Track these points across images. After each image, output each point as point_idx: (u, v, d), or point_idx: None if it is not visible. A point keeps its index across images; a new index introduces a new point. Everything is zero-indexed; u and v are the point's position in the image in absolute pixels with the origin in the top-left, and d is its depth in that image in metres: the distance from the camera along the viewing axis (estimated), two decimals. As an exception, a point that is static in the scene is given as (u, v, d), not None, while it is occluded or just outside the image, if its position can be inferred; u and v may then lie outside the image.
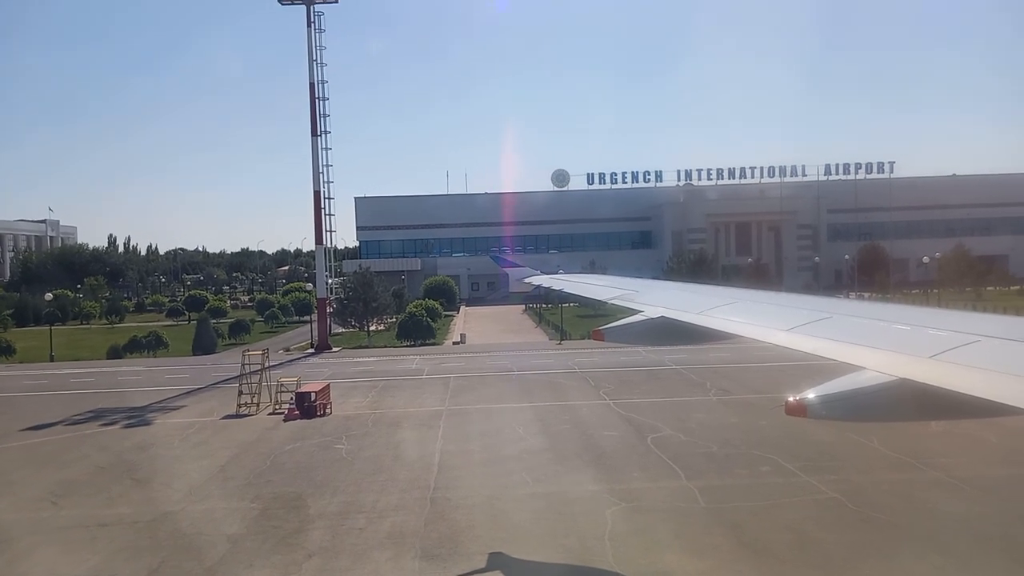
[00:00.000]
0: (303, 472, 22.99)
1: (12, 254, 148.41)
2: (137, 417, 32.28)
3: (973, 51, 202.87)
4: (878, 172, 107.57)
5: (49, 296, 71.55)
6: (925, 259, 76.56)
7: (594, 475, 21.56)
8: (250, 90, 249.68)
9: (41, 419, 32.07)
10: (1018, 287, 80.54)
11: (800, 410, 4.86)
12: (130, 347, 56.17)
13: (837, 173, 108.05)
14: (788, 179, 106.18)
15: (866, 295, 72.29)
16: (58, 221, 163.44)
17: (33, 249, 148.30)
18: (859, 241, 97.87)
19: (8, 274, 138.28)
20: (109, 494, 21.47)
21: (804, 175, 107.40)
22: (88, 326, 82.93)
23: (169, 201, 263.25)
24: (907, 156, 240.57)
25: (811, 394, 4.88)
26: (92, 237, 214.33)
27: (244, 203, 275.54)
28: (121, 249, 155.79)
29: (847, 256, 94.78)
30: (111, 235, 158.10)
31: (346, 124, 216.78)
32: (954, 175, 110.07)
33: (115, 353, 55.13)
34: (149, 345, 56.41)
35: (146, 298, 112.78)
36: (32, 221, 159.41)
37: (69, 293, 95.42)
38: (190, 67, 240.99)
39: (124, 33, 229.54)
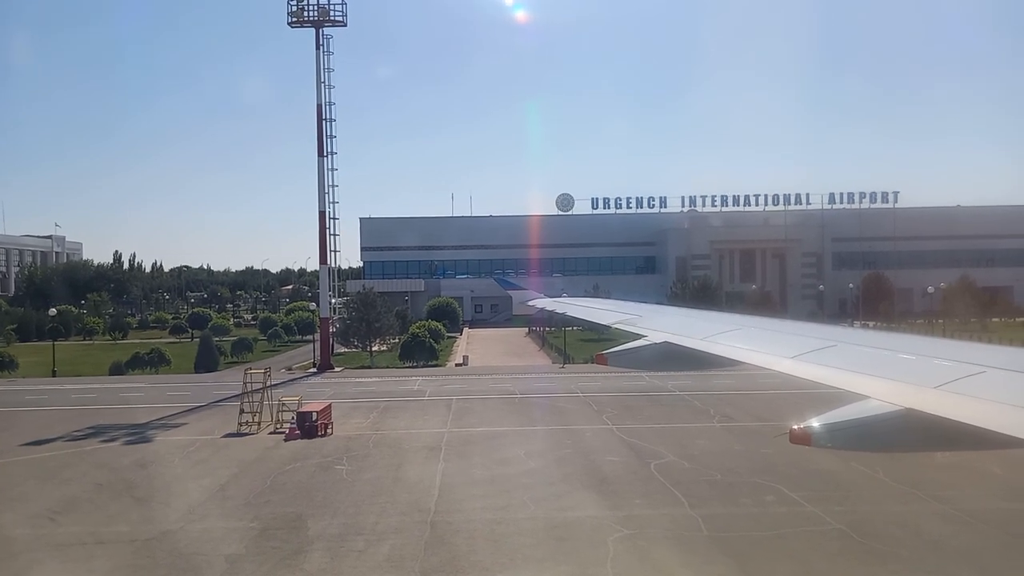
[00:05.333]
0: (303, 492, 22.88)
1: (17, 269, 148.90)
2: (138, 434, 32.20)
3: (979, 81, 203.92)
4: (882, 201, 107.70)
5: (53, 311, 71.61)
6: (930, 289, 76.48)
7: (596, 501, 21.42)
8: (257, 112, 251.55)
9: (41, 435, 32.01)
10: (1023, 319, 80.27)
11: (805, 438, 4.83)
12: (132, 363, 56.16)
13: (841, 202, 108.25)
14: (792, 207, 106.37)
15: (870, 324, 72.07)
16: (64, 237, 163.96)
17: (38, 264, 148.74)
18: (863, 270, 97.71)
19: (13, 289, 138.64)
20: (108, 512, 21.39)
21: (808, 203, 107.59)
22: (91, 342, 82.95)
23: (175, 220, 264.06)
24: (912, 185, 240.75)
25: (816, 422, 4.85)
26: (98, 254, 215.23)
27: (250, 222, 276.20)
28: (126, 266, 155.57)
29: (851, 285, 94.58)
30: (116, 252, 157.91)
31: (352, 146, 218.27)
32: (958, 205, 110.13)
33: (117, 369, 55.09)
34: (151, 362, 56.39)
35: (150, 315, 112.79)
36: (38, 236, 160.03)
37: (73, 309, 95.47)
38: (197, 90, 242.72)
39: (132, 57, 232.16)
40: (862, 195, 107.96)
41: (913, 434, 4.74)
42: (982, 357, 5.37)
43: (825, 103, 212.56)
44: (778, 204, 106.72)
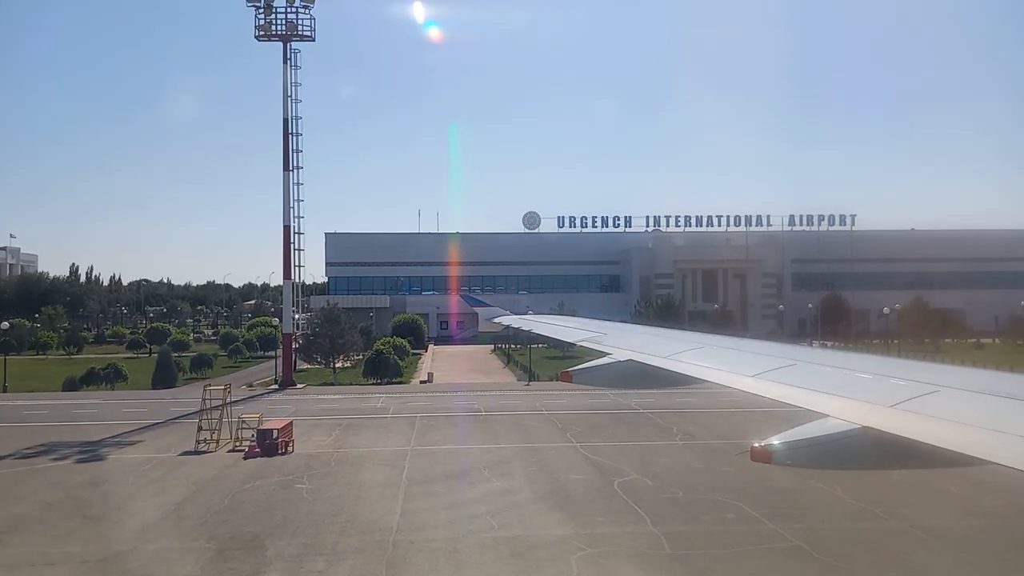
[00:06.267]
0: (262, 512, 22.45)
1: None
2: (91, 452, 31.33)
3: (937, 109, 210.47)
4: (840, 224, 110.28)
5: (5, 325, 69.50)
6: (885, 310, 78.16)
7: (560, 519, 21.37)
8: (223, 126, 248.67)
9: (-10, 452, 31.00)
10: (975, 340, 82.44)
11: (765, 456, 4.88)
12: (87, 379, 54.71)
13: (801, 224, 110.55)
14: (754, 228, 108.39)
15: (829, 344, 73.40)
16: (19, 248, 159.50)
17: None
18: (822, 291, 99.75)
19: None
20: (58, 532, 20.72)
21: (769, 224, 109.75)
22: (45, 357, 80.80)
23: (135, 234, 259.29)
24: (870, 208, 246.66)
25: (776, 440, 4.91)
26: (55, 267, 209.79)
27: (212, 236, 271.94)
28: (83, 279, 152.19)
29: (810, 305, 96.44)
30: (73, 264, 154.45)
31: (318, 162, 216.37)
32: (912, 229, 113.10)
33: (71, 385, 53.62)
34: (107, 377, 55.04)
35: (107, 329, 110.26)
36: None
37: (26, 322, 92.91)
38: (160, 103, 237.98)
39: (93, 69, 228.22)
40: (821, 217, 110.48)
41: (870, 452, 4.82)
42: (936, 377, 5.50)
43: (788, 126, 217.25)
44: (740, 225, 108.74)
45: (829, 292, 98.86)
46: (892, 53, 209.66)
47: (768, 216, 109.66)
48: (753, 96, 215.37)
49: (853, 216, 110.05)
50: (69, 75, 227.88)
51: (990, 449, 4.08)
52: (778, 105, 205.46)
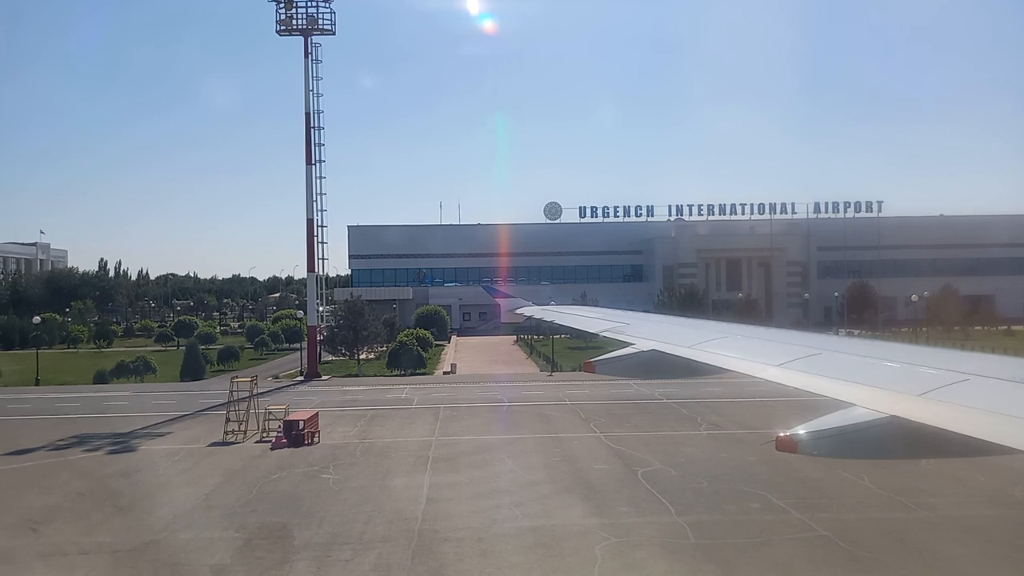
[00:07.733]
0: (289, 501, 22.73)
1: (1, 276, 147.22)
2: (121, 443, 31.89)
3: (961, 96, 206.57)
4: (866, 211, 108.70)
5: (37, 319, 70.85)
6: (913, 298, 77.05)
7: (584, 509, 21.40)
8: (247, 122, 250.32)
9: (23, 444, 31.63)
10: (1005, 327, 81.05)
11: (790, 446, 4.86)
12: (117, 372, 55.65)
13: (826, 211, 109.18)
14: (778, 216, 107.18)
15: (855, 332, 72.54)
16: (48, 244, 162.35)
17: (23, 272, 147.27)
18: (848, 279, 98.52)
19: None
20: (90, 521, 21.14)
21: (794, 212, 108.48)
22: (75, 350, 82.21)
23: (162, 229, 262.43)
24: (896, 195, 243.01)
25: (801, 430, 4.88)
26: (83, 262, 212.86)
27: (238, 230, 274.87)
28: (112, 273, 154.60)
29: (836, 293, 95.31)
30: (102, 259, 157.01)
31: (342, 157, 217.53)
32: (941, 215, 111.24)
33: (101, 378, 54.56)
34: (136, 370, 55.92)
35: (135, 323, 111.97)
36: (22, 244, 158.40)
37: (57, 317, 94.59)
38: (185, 100, 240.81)
39: (121, 68, 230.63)
40: (847, 204, 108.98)
41: (898, 441, 4.78)
42: (965, 365, 5.43)
43: (811, 117, 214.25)
44: (764, 213, 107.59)
45: (855, 280, 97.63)
46: (915, 40, 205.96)
47: (793, 204, 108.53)
48: (777, 87, 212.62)
49: (880, 203, 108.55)
50: (95, 75, 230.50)
51: (1020, 438, 4.03)
52: (802, 95, 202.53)
